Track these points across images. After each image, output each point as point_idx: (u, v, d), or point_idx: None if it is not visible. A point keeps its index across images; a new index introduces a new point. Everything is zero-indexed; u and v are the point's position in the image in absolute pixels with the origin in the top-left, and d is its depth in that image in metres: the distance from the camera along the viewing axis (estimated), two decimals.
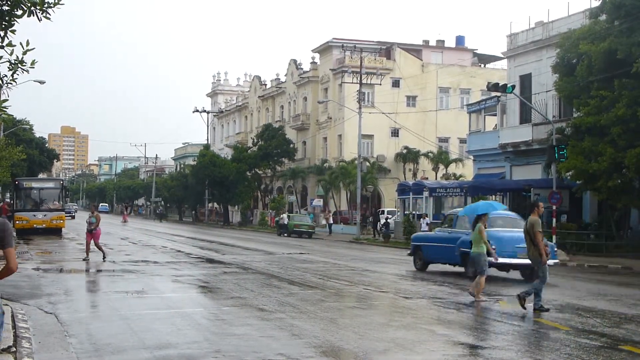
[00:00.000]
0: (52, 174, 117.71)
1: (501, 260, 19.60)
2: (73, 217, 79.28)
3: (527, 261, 17.08)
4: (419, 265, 24.47)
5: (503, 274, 21.88)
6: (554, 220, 32.25)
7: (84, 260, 24.86)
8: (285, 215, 55.95)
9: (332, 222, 57.77)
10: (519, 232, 18.98)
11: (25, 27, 10.81)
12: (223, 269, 23.02)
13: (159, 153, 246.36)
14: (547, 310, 14.21)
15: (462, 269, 21.89)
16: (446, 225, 24.05)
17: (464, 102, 65.20)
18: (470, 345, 10.90)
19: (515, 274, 21.97)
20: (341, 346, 10.60)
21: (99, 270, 21.64)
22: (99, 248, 25.50)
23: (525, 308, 14.29)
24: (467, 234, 20.09)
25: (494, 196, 44.63)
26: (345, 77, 61.02)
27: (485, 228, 16.96)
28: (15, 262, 6.62)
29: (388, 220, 48.99)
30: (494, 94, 43.96)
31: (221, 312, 13.72)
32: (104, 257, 25.11)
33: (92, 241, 25.60)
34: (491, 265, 19.30)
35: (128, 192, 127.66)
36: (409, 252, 26.38)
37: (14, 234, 40.52)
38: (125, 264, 24.11)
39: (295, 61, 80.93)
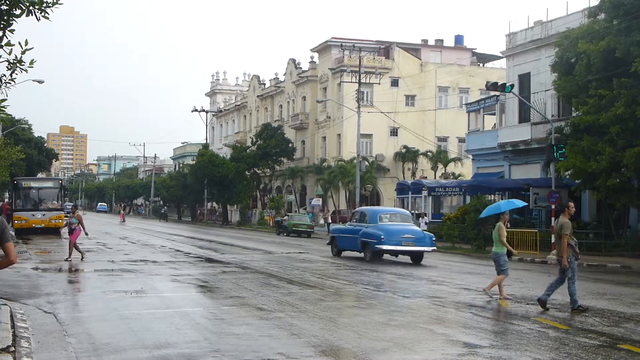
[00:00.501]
0: (51, 173, 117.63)
1: (389, 247, 25.85)
2: None
3: (411, 248, 25.84)
4: (334, 252, 29.77)
5: (395, 257, 27.81)
6: (553, 219, 32.24)
7: (66, 260, 24.67)
8: (286, 217, 55.75)
9: (330, 221, 57.82)
10: (406, 226, 26.97)
11: (24, 26, 10.81)
12: (222, 268, 23.02)
13: (158, 152, 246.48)
14: (586, 309, 14.50)
15: (361, 255, 27.56)
16: (354, 220, 28.81)
17: (463, 101, 65.23)
18: (469, 345, 10.90)
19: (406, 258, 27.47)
20: (340, 345, 10.60)
21: (97, 270, 21.63)
22: (76, 248, 25.32)
23: (547, 309, 14.55)
24: (367, 227, 26.90)
25: (493, 195, 44.66)
26: (344, 77, 61.05)
27: (506, 226, 17.42)
28: (15, 255, 7.05)
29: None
30: (492, 93, 44.01)
31: (220, 311, 13.72)
32: (82, 258, 24.88)
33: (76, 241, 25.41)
34: (384, 251, 26.24)
35: (127, 191, 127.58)
36: (327, 242, 31.53)
37: (13, 233, 40.56)
38: (124, 263, 24.10)
39: (294, 60, 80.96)
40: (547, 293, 14.64)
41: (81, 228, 25.50)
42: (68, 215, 69.30)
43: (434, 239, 27.88)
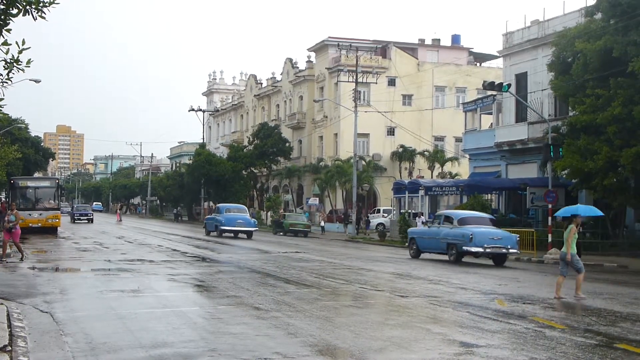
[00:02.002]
0: (48, 173, 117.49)
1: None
2: (91, 221, 68.05)
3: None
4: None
5: None
6: (550, 218, 32.28)
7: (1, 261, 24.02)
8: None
9: (324, 222, 57.94)
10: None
11: (20, 26, 10.80)
12: (219, 267, 23.02)
13: (155, 152, 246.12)
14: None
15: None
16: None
17: (460, 100, 65.29)
18: (466, 344, 10.91)
19: None
20: (337, 345, 10.60)
21: (94, 269, 21.61)
22: (18, 248, 25.13)
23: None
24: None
25: (489, 195, 44.72)
26: (341, 76, 61.05)
27: (578, 230, 17.90)
28: None
29: (370, 219, 49.58)
30: (489, 92, 44.05)
31: (217, 311, 13.72)
32: (21, 258, 24.55)
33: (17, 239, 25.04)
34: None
35: (124, 191, 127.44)
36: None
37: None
38: (120, 262, 24.08)
39: (291, 60, 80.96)
40: None
41: (19, 227, 25.30)
42: (88, 215, 68.38)
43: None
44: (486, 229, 27.92)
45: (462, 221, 28.41)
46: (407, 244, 32.71)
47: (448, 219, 29.26)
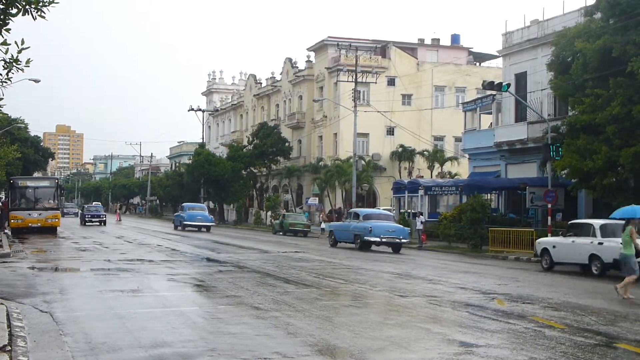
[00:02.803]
0: (47, 172, 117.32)
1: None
2: (104, 223, 60.40)
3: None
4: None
5: None
6: (549, 218, 32.29)
7: None
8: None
9: (323, 221, 58.09)
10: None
11: (20, 26, 10.79)
12: (218, 267, 23.02)
13: (154, 152, 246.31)
14: None
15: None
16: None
17: (460, 100, 65.25)
18: (465, 344, 10.92)
19: None
20: (337, 344, 10.61)
21: (94, 269, 21.61)
22: None
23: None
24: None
25: (489, 195, 44.69)
26: (340, 76, 61.05)
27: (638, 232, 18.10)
28: None
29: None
30: (489, 92, 44.02)
31: (216, 310, 13.72)
32: None
33: None
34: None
35: (123, 190, 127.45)
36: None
37: (9, 232, 40.53)
38: (120, 262, 24.08)
39: (290, 60, 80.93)
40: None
41: None
42: (101, 217, 60.71)
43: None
44: (384, 223, 34.96)
45: (366, 217, 35.43)
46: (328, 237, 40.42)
47: (356, 216, 36.00)
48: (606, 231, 24.27)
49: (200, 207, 57.17)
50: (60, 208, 51.63)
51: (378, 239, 34.07)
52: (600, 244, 23.95)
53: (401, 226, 36.15)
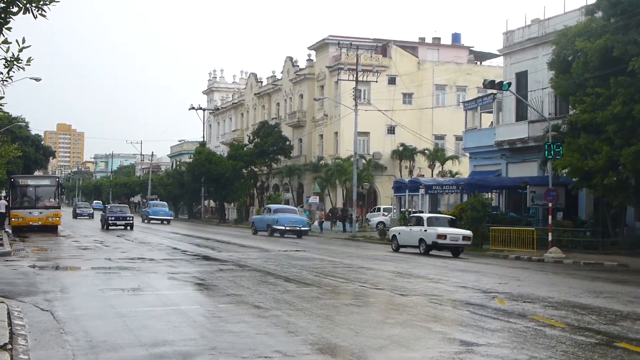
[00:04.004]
0: (48, 171, 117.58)
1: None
2: (131, 227, 50.23)
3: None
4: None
5: None
6: (550, 217, 32.28)
7: None
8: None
9: (322, 220, 58.18)
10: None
11: (21, 24, 10.80)
12: (219, 266, 23.02)
13: (155, 150, 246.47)
14: None
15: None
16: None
17: (460, 99, 65.22)
18: (466, 342, 10.92)
19: None
20: (337, 343, 10.61)
21: (94, 268, 21.61)
22: None
23: None
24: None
25: (490, 194, 44.69)
26: (341, 75, 60.96)
27: None
28: None
29: (352, 215, 51.39)
30: (490, 91, 44.01)
31: (217, 309, 13.72)
32: None
33: None
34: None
35: (124, 189, 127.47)
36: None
37: (10, 231, 40.54)
38: (121, 261, 24.08)
39: (291, 58, 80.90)
40: None
41: None
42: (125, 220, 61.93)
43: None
44: (289, 215, 47.05)
45: (275, 211, 47.59)
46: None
47: (269, 210, 48.44)
48: (431, 222, 32.40)
49: (162, 204, 72.09)
50: (73, 206, 51.82)
51: (283, 227, 45.29)
52: (425, 231, 31.81)
53: (302, 218, 49.01)
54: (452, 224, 32.87)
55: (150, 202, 72.98)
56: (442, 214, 44.70)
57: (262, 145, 72.29)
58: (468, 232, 32.43)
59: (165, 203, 75.30)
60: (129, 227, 49.69)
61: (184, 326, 11.77)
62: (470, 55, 74.99)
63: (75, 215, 77.22)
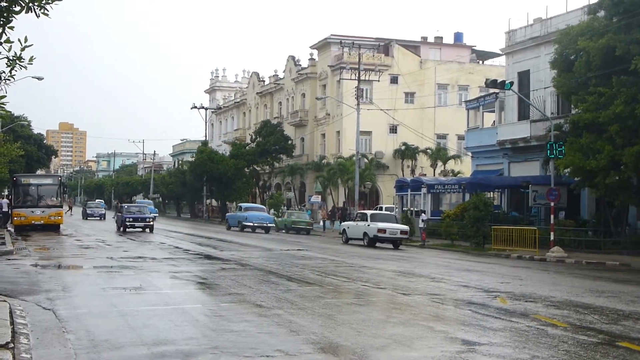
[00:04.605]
0: (50, 170, 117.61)
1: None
2: (151, 229, 44.88)
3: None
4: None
5: None
6: (552, 217, 32.27)
7: None
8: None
9: (325, 219, 58.19)
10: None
11: (23, 23, 10.81)
12: (221, 265, 23.02)
13: (157, 149, 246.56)
14: None
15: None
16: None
17: (462, 98, 65.15)
18: (468, 342, 10.91)
19: None
20: (339, 342, 10.61)
21: (96, 267, 21.63)
22: None
23: None
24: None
25: (492, 193, 44.66)
26: (343, 74, 61.05)
27: None
28: None
29: (351, 214, 51.94)
30: (492, 90, 43.98)
31: (219, 308, 13.73)
32: None
33: None
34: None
35: (126, 188, 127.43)
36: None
37: (12, 229, 40.56)
38: (123, 260, 24.10)
39: (293, 58, 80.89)
40: None
41: None
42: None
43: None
44: (257, 213, 51.95)
45: (246, 209, 52.92)
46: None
47: (240, 208, 54.22)
48: (374, 218, 37.21)
49: (143, 203, 66.67)
50: (81, 205, 51.59)
51: (252, 224, 50.20)
52: (368, 225, 36.51)
53: (269, 215, 54.37)
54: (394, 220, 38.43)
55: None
56: (443, 213, 44.92)
57: (264, 145, 72.28)
58: (405, 227, 37.14)
59: (150, 201, 74.97)
60: (147, 230, 44.44)
61: (186, 325, 11.78)
62: (472, 54, 74.95)
63: (86, 216, 68.48)
